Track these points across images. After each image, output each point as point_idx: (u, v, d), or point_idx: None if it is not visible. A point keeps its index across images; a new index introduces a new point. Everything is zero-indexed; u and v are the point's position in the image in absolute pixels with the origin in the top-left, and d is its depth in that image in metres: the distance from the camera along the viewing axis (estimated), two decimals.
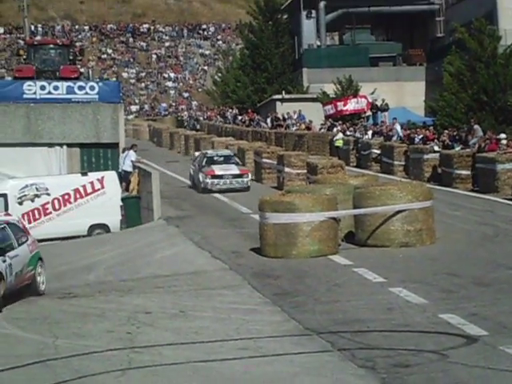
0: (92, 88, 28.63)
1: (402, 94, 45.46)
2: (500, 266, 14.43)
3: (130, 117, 66.86)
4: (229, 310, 12.79)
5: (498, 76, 30.90)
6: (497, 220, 20.83)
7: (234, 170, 29.26)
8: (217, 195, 28.32)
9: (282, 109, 45.55)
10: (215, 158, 30.29)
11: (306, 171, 27.90)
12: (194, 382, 9.99)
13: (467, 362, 10.18)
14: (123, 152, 27.31)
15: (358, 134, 36.33)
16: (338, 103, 41.24)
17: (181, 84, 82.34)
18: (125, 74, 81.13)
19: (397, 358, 10.52)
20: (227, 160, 30.22)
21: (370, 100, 41.22)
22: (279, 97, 46.68)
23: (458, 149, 28.64)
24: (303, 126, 40.66)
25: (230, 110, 50.74)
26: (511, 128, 29.41)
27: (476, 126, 29.97)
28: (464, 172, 27.51)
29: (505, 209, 22.76)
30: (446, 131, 30.53)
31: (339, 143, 35.39)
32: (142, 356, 11.00)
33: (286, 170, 28.98)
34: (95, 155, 28.03)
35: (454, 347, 10.82)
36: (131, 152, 27.39)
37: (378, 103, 41.06)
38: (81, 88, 28.61)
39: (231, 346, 11.34)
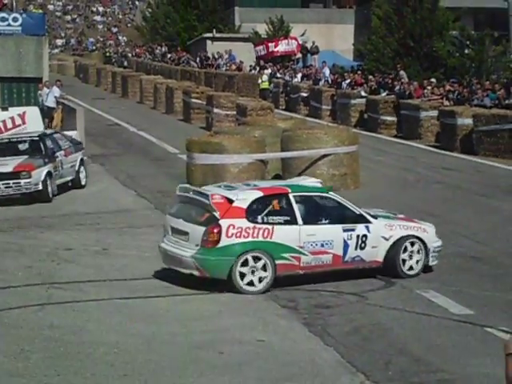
0: (15, 19, 27.71)
1: (332, 37, 45.44)
2: (420, 212, 14.77)
3: (55, 51, 65.03)
4: (153, 249, 12.78)
5: (425, 21, 31.11)
6: (419, 166, 21.25)
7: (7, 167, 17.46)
8: (143, 133, 28.04)
9: (212, 48, 45.02)
10: None
11: (235, 113, 27.80)
12: (116, 319, 10.02)
13: (385, 304, 10.48)
14: (43, 88, 26.59)
15: (287, 77, 36.28)
16: (270, 44, 41.01)
17: (109, 18, 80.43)
18: (51, 7, 78.73)
19: (318, 299, 10.75)
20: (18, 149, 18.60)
21: (301, 42, 41.11)
22: (210, 35, 46.10)
23: (384, 94, 28.94)
24: (234, 67, 40.36)
25: (159, 48, 49.90)
26: (436, 74, 29.76)
27: (402, 72, 30.27)
28: (389, 118, 27.86)
29: (427, 155, 23.21)
30: (372, 77, 30.76)
31: (265, 85, 35.29)
32: (62, 292, 10.96)
33: (215, 110, 28.81)
34: (17, 90, 27.24)
35: (373, 290, 11.11)
36: (55, 88, 26.73)
37: (308, 46, 40.99)
38: (3, 19, 27.65)
39: (155, 284, 11.38)
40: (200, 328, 9.73)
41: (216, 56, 42.85)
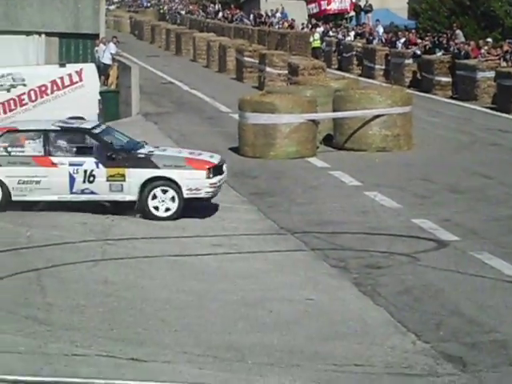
0: None
1: None
2: (475, 174, 14.60)
3: (112, 7, 65.23)
4: (205, 207, 12.90)
5: None
6: (474, 128, 20.93)
7: None
8: (195, 92, 28.10)
9: (265, 6, 44.68)
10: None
11: (287, 72, 27.63)
12: (167, 275, 10.18)
13: (437, 265, 10.43)
14: (99, 45, 26.71)
15: (340, 36, 35.87)
16: (322, 2, 40.53)
17: None
18: None
19: (369, 260, 10.76)
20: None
21: (354, 0, 40.53)
22: None
23: (439, 54, 28.43)
24: (286, 25, 40.03)
25: (212, 5, 49.66)
26: (494, 34, 29.11)
27: (458, 31, 29.66)
28: (444, 78, 27.39)
29: (483, 117, 22.83)
30: (427, 36, 30.21)
31: (317, 44, 34.93)
32: (116, 248, 11.16)
33: (268, 69, 28.69)
34: (74, 46, 27.41)
35: (425, 251, 11.06)
36: (111, 44, 26.83)
37: (362, 4, 40.39)
38: None
39: (206, 242, 11.51)
40: (250, 286, 9.82)
41: (269, 14, 42.53)
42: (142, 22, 52.09)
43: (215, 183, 12.54)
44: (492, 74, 24.87)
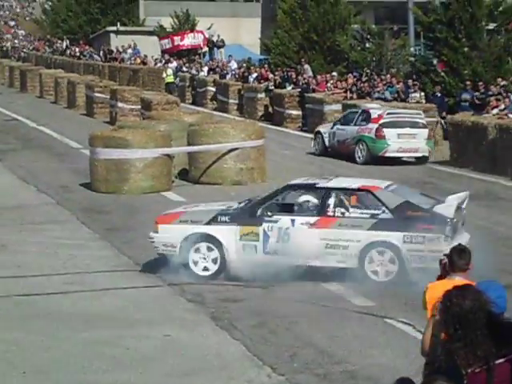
0: None
1: (239, 31, 45.49)
2: None
3: None
4: (55, 245, 12.49)
5: (328, 15, 31.57)
6: (323, 160, 21.47)
7: None
8: (43, 128, 27.32)
9: (116, 41, 44.37)
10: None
11: (140, 107, 27.47)
12: (16, 315, 9.73)
13: (291, 296, 10.52)
14: None
15: (193, 71, 36.12)
16: (175, 37, 40.72)
17: (7, 12, 78.19)
18: None
19: (225, 293, 10.71)
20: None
21: (207, 36, 41.00)
22: (114, 29, 45.42)
23: (289, 88, 29.14)
24: (138, 61, 39.88)
25: (60, 42, 48.75)
26: (339, 68, 30.18)
27: (306, 66, 30.55)
28: (294, 112, 28.08)
29: None
30: (277, 71, 30.93)
31: (170, 79, 35.02)
32: None
33: (120, 104, 28.40)
34: None
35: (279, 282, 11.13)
36: None
37: (215, 39, 40.91)
38: None
39: (57, 280, 11.11)
40: (105, 324, 9.55)
41: (120, 50, 42.26)
42: None
43: None
44: (339, 106, 25.72)
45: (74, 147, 23.19)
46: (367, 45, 30.50)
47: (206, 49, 41.11)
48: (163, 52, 40.48)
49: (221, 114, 30.05)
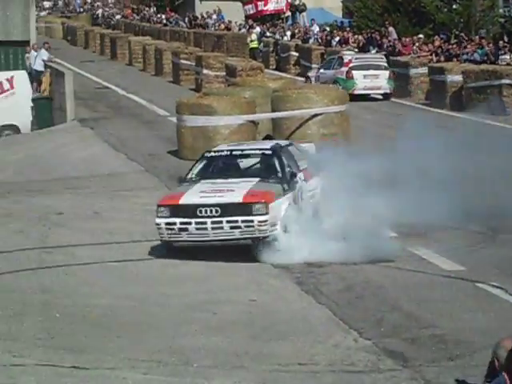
0: None
1: None
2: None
3: (43, 13, 64.26)
4: (145, 211, 12.78)
5: None
6: (409, 124, 21.16)
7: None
8: (132, 96, 27.84)
9: (201, 8, 44.56)
10: None
11: (224, 73, 27.61)
12: (108, 281, 10.06)
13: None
14: (30, 51, 26.30)
15: (277, 36, 36.01)
16: (259, 2, 40.61)
17: None
18: None
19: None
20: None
21: (290, 0, 40.75)
22: None
23: (373, 52, 28.75)
24: (223, 26, 40.00)
25: (147, 9, 49.32)
26: (425, 30, 29.60)
27: (390, 29, 30.06)
28: None
29: (416, 113, 23.14)
30: (361, 34, 30.55)
31: (254, 44, 35.00)
32: (54, 256, 10.98)
33: (205, 71, 28.61)
34: (4, 54, 26.94)
35: None
36: (43, 51, 26.46)
37: (296, 3, 40.62)
38: None
39: (146, 246, 11.41)
40: (193, 289, 9.77)
41: (205, 16, 42.44)
42: (75, 27, 51.41)
43: (159, 224, 10.83)
44: (425, 70, 25.26)
45: (161, 115, 23.58)
46: (454, 6, 29.79)
47: (288, 13, 40.88)
48: (247, 17, 40.47)
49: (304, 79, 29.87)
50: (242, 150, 11.79)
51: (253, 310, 9.11)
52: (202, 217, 10.49)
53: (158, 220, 10.67)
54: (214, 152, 11.82)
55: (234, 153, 11.71)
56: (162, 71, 33.19)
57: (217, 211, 10.47)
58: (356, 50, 29.47)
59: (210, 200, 10.59)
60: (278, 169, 11.34)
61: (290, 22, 39.86)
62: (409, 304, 9.16)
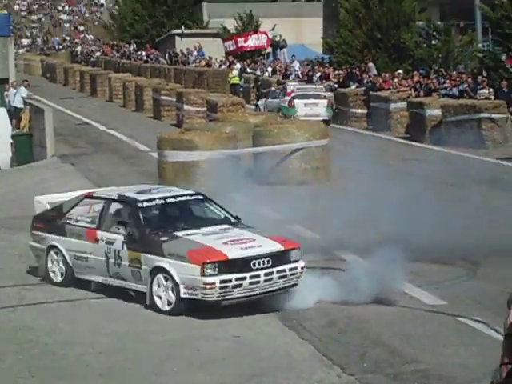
0: None
1: (301, 31, 45.50)
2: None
3: (22, 51, 64.41)
4: None
5: (392, 12, 31.34)
6: (389, 158, 21.32)
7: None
8: (113, 132, 27.85)
9: (181, 44, 44.87)
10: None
11: (205, 109, 27.74)
12: (90, 319, 9.97)
13: None
14: (9, 89, 26.32)
15: (258, 72, 36.28)
16: (239, 39, 40.93)
17: (76, 17, 79.81)
18: (16, 7, 77.94)
19: None
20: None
21: (270, 36, 41.12)
22: (179, 32, 45.95)
23: (353, 87, 29.03)
24: (203, 63, 40.27)
25: (127, 46, 49.59)
26: (404, 66, 29.93)
27: (370, 64, 30.39)
28: (359, 110, 27.95)
29: (397, 147, 23.33)
30: (341, 70, 30.84)
31: (235, 80, 35.23)
32: (35, 293, 10.87)
33: (186, 107, 28.73)
34: None
35: None
36: (22, 88, 26.50)
37: (277, 39, 40.99)
38: None
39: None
40: (175, 325, 9.70)
41: (185, 52, 42.71)
42: (55, 64, 51.53)
43: (213, 284, 9.62)
44: (404, 104, 25.51)
45: (142, 150, 23.58)
46: (433, 42, 30.16)
47: (269, 49, 41.23)
48: (227, 54, 40.76)
49: None
50: (175, 197, 10.94)
51: (236, 346, 9.05)
52: (256, 269, 9.86)
53: (208, 279, 9.60)
54: (147, 201, 10.71)
55: (168, 200, 10.85)
56: (143, 107, 33.29)
57: (268, 262, 9.90)
58: (335, 85, 29.76)
59: (255, 251, 9.90)
60: (225, 212, 11.02)
61: (270, 58, 40.20)
62: (392, 339, 9.14)
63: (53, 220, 11.35)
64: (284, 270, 10.02)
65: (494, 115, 22.23)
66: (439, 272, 11.48)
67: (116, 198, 10.94)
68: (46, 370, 8.36)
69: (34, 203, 12.00)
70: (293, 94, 27.28)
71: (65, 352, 8.84)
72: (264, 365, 8.50)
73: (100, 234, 10.70)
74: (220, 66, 39.20)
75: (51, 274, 11.27)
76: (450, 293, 10.55)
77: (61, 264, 11.18)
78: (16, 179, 20.24)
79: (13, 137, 22.45)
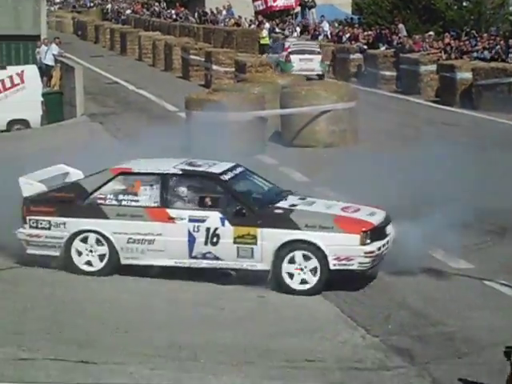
0: None
1: None
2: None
3: (54, 8, 64.44)
4: None
5: None
6: (418, 122, 21.16)
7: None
8: (143, 92, 27.89)
9: (211, 3, 44.57)
10: None
11: (234, 69, 27.62)
12: (114, 275, 10.09)
13: (385, 258, 10.50)
14: (41, 46, 26.38)
15: (286, 32, 35.97)
16: None
17: None
18: None
19: None
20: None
21: None
22: None
23: (382, 49, 28.71)
24: (232, 22, 40.00)
25: (157, 4, 49.36)
26: (435, 28, 29.54)
27: (400, 25, 30.01)
28: (388, 73, 27.66)
29: (426, 110, 23.10)
30: (371, 30, 30.52)
31: (265, 41, 34.99)
32: None
33: (214, 67, 28.62)
34: (15, 48, 27.04)
35: None
36: (53, 45, 26.53)
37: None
38: None
39: None
40: (199, 285, 9.78)
41: (215, 11, 42.44)
42: (85, 22, 51.52)
43: (372, 252, 9.44)
44: (434, 67, 25.19)
45: (170, 110, 23.59)
46: (464, 3, 29.72)
47: (298, 9, 40.84)
48: (256, 13, 40.44)
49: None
50: (234, 170, 10.28)
51: (261, 306, 9.13)
52: (387, 235, 9.83)
53: (368, 248, 9.37)
54: (225, 174, 10.11)
55: (235, 173, 10.24)
56: (172, 67, 33.22)
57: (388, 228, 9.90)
58: (365, 46, 29.46)
59: (380, 218, 9.85)
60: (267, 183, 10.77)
61: (299, 18, 39.82)
62: (417, 301, 9.16)
63: (71, 201, 9.96)
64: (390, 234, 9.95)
65: None
66: (467, 236, 11.43)
67: (180, 172, 9.93)
68: (72, 325, 8.48)
69: (21, 184, 10.22)
70: (289, 50, 28.79)
71: (91, 309, 8.97)
72: (288, 325, 8.57)
73: (174, 212, 9.69)
74: (249, 25, 38.92)
75: (82, 265, 9.95)
76: (477, 257, 10.52)
77: (100, 250, 9.90)
78: (46, 137, 20.38)
79: (43, 95, 22.53)
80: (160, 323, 8.61)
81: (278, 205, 9.87)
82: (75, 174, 10.83)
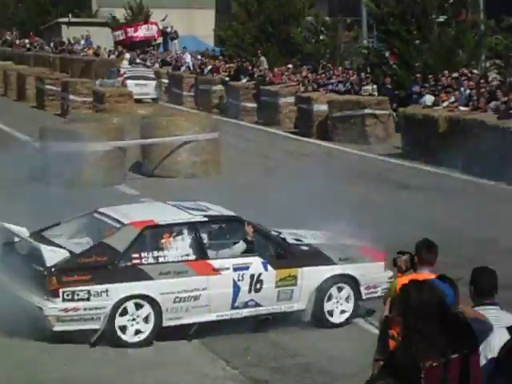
0: None
1: (193, 22, 45.26)
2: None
3: None
4: None
5: (283, 6, 31.67)
6: (277, 152, 21.50)
7: None
8: None
9: (68, 33, 43.84)
10: None
11: (92, 99, 27.19)
12: None
13: None
14: None
15: (148, 63, 35.87)
16: (129, 29, 40.41)
17: None
18: None
19: None
20: None
21: (161, 27, 40.74)
22: (65, 20, 44.87)
23: (244, 80, 29.11)
24: (91, 52, 39.48)
25: (9, 33, 48.01)
26: (294, 61, 30.24)
27: (262, 58, 30.57)
28: (249, 104, 28.07)
29: (285, 142, 23.53)
30: (232, 63, 30.91)
31: None
32: None
33: (71, 97, 28.07)
34: None
35: None
36: None
37: (168, 30, 40.67)
38: None
39: None
40: None
41: (72, 41, 41.76)
42: None
43: (392, 277, 8.99)
44: (292, 99, 25.76)
45: (23, 140, 22.84)
46: (321, 37, 30.62)
47: (160, 40, 40.87)
48: (116, 44, 40.13)
49: (175, 106, 29.87)
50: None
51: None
52: None
53: (389, 273, 9.28)
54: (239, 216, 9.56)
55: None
56: (25, 96, 32.32)
57: None
58: (227, 78, 29.79)
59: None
60: None
61: (161, 49, 39.83)
62: (274, 333, 9.20)
63: (105, 265, 8.71)
64: None
65: (376, 111, 22.74)
66: None
67: (205, 219, 9.19)
68: None
69: (43, 252, 8.61)
70: (125, 75, 31.01)
71: None
72: (150, 359, 8.40)
73: (218, 262, 9.01)
74: (109, 55, 38.53)
75: (125, 336, 8.70)
76: None
77: (146, 315, 8.78)
78: None
79: None
80: None
81: (289, 242, 9.58)
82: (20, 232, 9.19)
